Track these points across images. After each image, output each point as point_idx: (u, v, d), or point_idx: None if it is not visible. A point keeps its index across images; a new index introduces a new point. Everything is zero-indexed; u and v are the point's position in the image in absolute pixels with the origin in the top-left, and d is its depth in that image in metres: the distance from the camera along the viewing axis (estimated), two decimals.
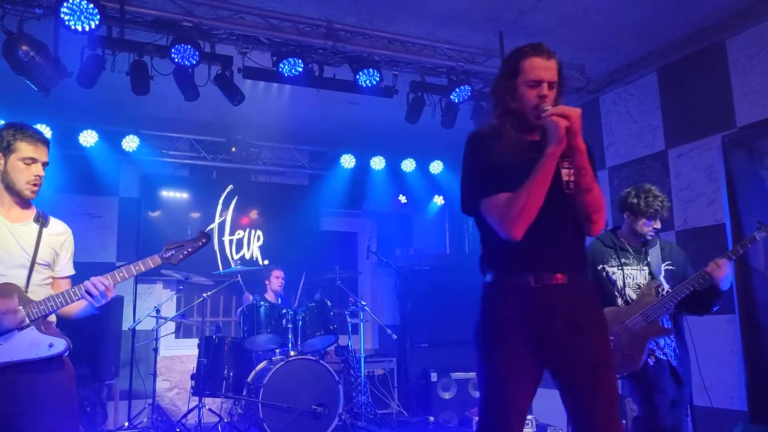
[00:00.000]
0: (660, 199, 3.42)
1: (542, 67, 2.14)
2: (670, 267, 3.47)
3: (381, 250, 7.45)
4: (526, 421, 5.36)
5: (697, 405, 4.09)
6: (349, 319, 6.19)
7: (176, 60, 4.43)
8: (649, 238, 3.48)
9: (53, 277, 2.63)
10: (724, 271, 3.18)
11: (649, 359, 3.33)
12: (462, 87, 5.23)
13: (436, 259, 7.62)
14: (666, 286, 3.40)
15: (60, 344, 2.47)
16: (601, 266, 3.48)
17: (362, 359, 6.03)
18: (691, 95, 5.05)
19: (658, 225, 3.48)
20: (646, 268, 3.44)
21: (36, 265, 2.51)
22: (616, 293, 3.45)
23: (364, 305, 6.22)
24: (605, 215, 2.20)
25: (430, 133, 6.08)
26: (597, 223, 2.17)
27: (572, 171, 2.14)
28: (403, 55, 5.14)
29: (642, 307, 3.32)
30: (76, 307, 2.57)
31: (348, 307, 6.30)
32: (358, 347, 6.15)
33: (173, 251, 2.69)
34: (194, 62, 4.48)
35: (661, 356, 3.35)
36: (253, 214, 7.54)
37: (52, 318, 2.59)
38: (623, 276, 3.45)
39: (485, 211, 2.14)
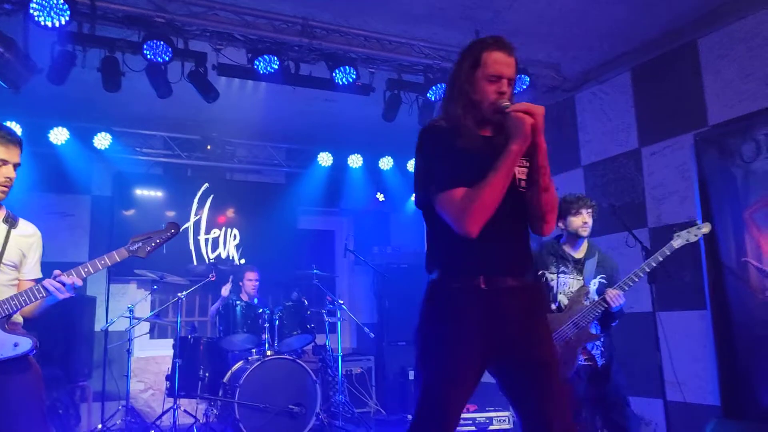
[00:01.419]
0: (578, 195, 3.73)
1: (504, 63, 2.11)
2: (603, 280, 3.68)
3: (358, 249, 7.42)
4: (506, 418, 5.41)
5: (671, 400, 4.15)
6: (326, 318, 6.17)
7: (148, 56, 4.38)
8: (583, 234, 3.64)
9: (19, 279, 2.58)
10: (617, 302, 3.44)
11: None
12: (438, 85, 5.23)
13: (414, 257, 7.61)
14: (594, 297, 3.59)
15: (26, 343, 2.42)
16: (541, 272, 3.68)
17: (340, 358, 6.01)
18: (663, 94, 5.11)
19: (587, 219, 3.65)
20: (581, 278, 3.63)
21: (2, 265, 2.47)
22: (551, 298, 3.63)
23: (342, 304, 6.20)
24: (556, 215, 2.19)
25: (407, 131, 6.02)
26: (550, 222, 2.16)
27: (527, 168, 2.13)
28: (380, 52, 5.12)
29: (573, 314, 3.49)
30: (37, 304, 2.52)
31: (325, 305, 6.27)
32: (336, 346, 6.13)
33: (140, 243, 2.62)
34: (167, 59, 4.42)
35: (582, 361, 3.55)
36: (230, 213, 7.47)
37: (18, 318, 2.54)
38: (558, 282, 3.63)
39: (441, 206, 2.07)
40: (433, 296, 2.15)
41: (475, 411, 5.59)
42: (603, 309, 3.46)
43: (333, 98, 5.85)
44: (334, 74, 4.99)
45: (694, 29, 4.82)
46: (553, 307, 3.61)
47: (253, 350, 5.64)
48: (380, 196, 8.18)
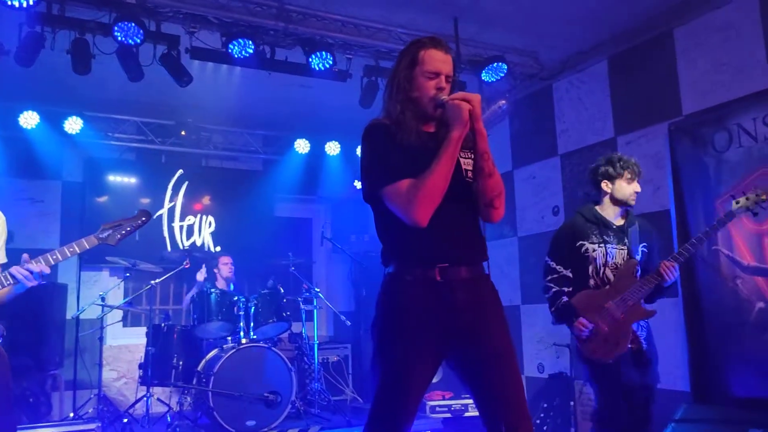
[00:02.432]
0: (632, 159, 3.37)
1: (441, 60, 2.16)
2: (645, 249, 3.36)
3: (336, 237, 7.39)
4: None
5: None
6: (302, 306, 6.13)
7: (119, 38, 4.28)
8: (632, 203, 3.33)
9: None
10: (672, 275, 3.15)
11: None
12: None
13: None
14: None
15: None
16: (580, 242, 3.28)
17: (316, 346, 5.99)
18: (639, 83, 5.14)
19: (638, 188, 3.33)
20: (624, 248, 3.29)
21: None
22: (591, 272, 3.27)
23: (318, 292, 6.16)
24: (504, 201, 2.19)
25: None
26: (498, 208, 2.17)
27: (472, 159, 2.15)
28: (357, 38, 5.07)
29: (621, 289, 3.18)
30: (5, 292, 2.46)
31: (302, 293, 6.23)
32: (312, 334, 6.10)
33: (110, 230, 2.58)
34: (138, 41, 4.33)
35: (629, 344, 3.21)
36: (205, 200, 7.38)
37: None
38: (605, 253, 3.26)
39: (388, 199, 2.09)
40: (388, 289, 2.17)
41: (451, 398, 5.62)
42: (655, 283, 3.15)
43: (310, 84, 5.77)
44: (310, 59, 4.93)
45: (671, 19, 4.84)
46: (592, 282, 3.25)
47: (228, 338, 5.60)
48: (358, 184, 8.14)
